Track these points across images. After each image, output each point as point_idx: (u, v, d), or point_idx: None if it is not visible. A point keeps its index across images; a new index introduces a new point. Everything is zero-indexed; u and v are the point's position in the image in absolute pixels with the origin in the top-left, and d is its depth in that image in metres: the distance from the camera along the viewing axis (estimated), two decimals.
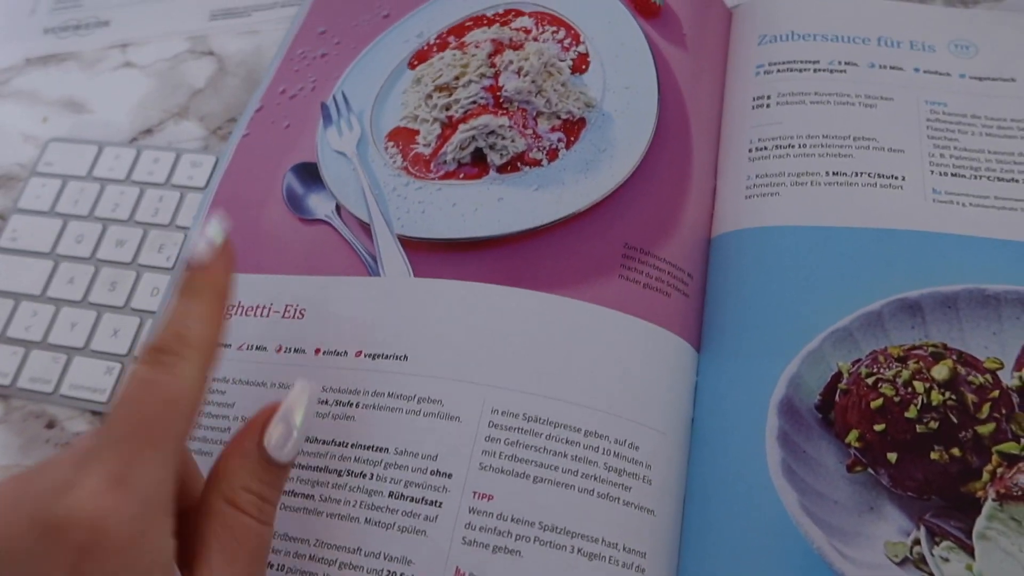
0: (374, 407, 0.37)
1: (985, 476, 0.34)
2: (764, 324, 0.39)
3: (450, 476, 0.34)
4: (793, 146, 0.44)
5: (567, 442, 0.35)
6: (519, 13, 0.48)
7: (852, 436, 0.36)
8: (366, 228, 0.42)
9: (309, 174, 0.45)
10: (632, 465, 0.35)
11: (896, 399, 0.35)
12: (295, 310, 0.40)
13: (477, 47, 0.46)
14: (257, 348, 0.40)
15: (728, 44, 0.51)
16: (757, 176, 0.44)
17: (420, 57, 0.48)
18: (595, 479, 0.34)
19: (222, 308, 0.29)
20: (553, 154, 0.42)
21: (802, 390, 0.37)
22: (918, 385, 0.35)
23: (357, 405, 0.37)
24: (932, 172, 0.42)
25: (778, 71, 0.47)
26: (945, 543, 0.33)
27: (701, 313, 0.41)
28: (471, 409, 0.36)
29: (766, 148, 0.45)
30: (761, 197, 0.43)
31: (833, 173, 0.43)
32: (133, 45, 0.56)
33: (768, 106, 0.46)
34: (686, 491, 0.37)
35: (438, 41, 0.48)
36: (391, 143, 0.45)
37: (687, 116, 0.45)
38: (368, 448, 0.36)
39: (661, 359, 0.38)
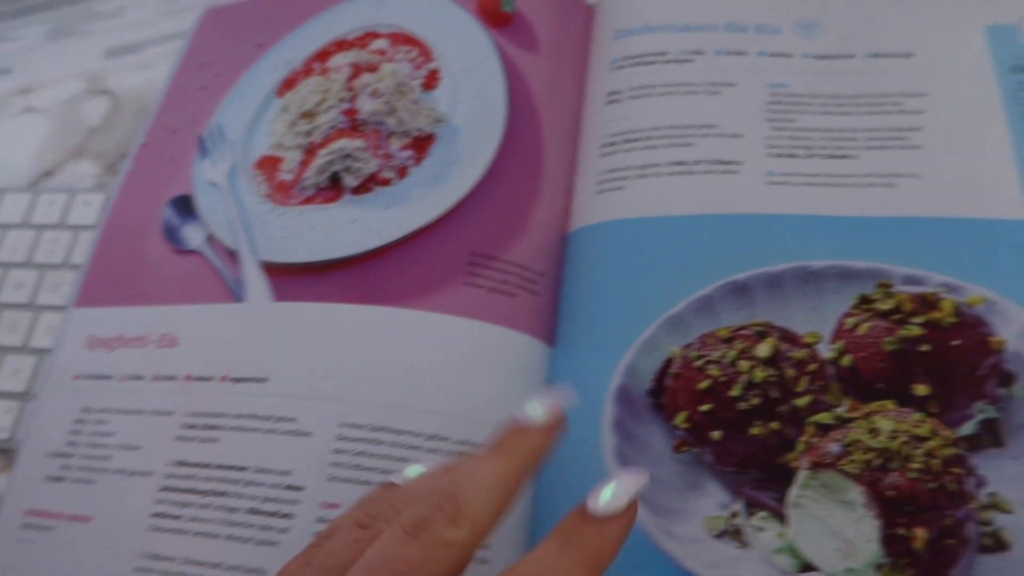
0: (236, 428, 0.39)
1: (800, 447, 0.35)
2: (608, 316, 0.41)
3: (301, 489, 0.37)
4: (640, 139, 0.46)
5: (409, 447, 0.37)
6: (376, 35, 0.50)
7: (680, 418, 0.37)
8: (234, 256, 0.44)
9: (186, 206, 0.47)
10: None
11: (722, 379, 0.37)
12: (169, 339, 0.43)
13: (338, 72, 0.48)
14: (134, 378, 0.42)
15: (590, 41, 0.52)
16: (607, 171, 0.46)
17: (288, 84, 0.50)
18: None
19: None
20: (403, 172, 0.45)
21: (637, 378, 0.39)
22: (743, 364, 0.37)
23: (221, 427, 0.39)
24: (769, 154, 0.44)
25: (631, 65, 0.49)
26: (761, 513, 0.35)
27: (555, 309, 0.43)
28: (322, 424, 0.38)
29: (615, 143, 0.46)
30: (610, 192, 0.45)
31: (675, 163, 0.44)
32: (34, 90, 0.59)
33: (620, 101, 0.48)
34: (536, 483, 0.39)
35: (304, 68, 0.50)
36: (258, 171, 0.47)
37: (539, 120, 0.47)
38: (230, 468, 0.38)
39: (505, 358, 0.40)
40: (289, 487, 0.37)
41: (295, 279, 0.43)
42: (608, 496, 0.27)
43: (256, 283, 0.43)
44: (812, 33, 0.48)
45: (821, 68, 0.47)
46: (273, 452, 0.38)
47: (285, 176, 0.46)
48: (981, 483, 0.33)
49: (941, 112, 0.44)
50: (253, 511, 0.37)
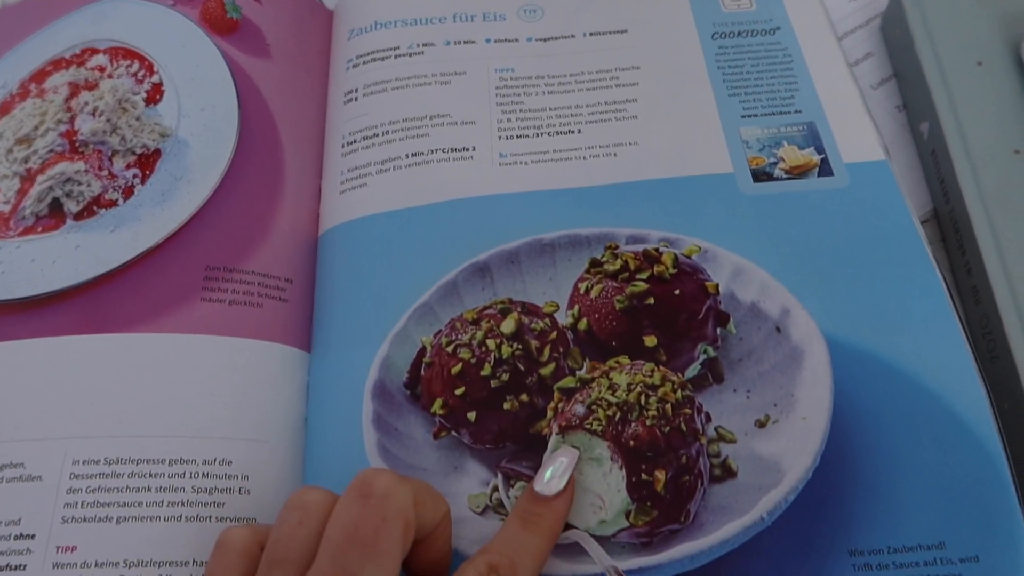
0: None
1: (549, 414, 0.36)
2: (359, 314, 0.41)
3: (33, 537, 0.34)
4: (377, 135, 0.46)
5: (150, 476, 0.35)
6: (94, 51, 0.47)
7: (436, 405, 0.37)
8: None
9: None
10: (225, 481, 0.36)
11: (473, 361, 0.37)
12: None
13: (56, 93, 0.46)
14: None
15: (330, 45, 0.52)
16: (349, 170, 0.45)
17: (3, 110, 0.46)
18: (182, 504, 0.35)
19: (551, 548, 0.32)
20: (129, 192, 0.42)
21: (392, 371, 0.39)
22: (491, 343, 0.38)
23: None
24: (500, 137, 0.45)
25: (364, 63, 0.49)
26: (519, 484, 0.36)
27: (309, 314, 0.42)
28: (52, 465, 0.36)
29: (355, 141, 0.46)
30: (352, 190, 0.44)
31: (412, 155, 0.45)
32: None
33: (356, 99, 0.48)
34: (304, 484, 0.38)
35: (20, 91, 0.47)
36: None
37: (275, 126, 0.46)
38: None
39: (252, 370, 0.39)
40: (19, 536, 0.34)
41: (17, 316, 0.40)
42: (548, 477, 0.33)
43: None
44: (535, 17, 0.50)
45: (545, 50, 0.48)
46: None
47: (1, 207, 0.43)
48: (708, 419, 0.35)
49: (653, 82, 0.46)
50: None
